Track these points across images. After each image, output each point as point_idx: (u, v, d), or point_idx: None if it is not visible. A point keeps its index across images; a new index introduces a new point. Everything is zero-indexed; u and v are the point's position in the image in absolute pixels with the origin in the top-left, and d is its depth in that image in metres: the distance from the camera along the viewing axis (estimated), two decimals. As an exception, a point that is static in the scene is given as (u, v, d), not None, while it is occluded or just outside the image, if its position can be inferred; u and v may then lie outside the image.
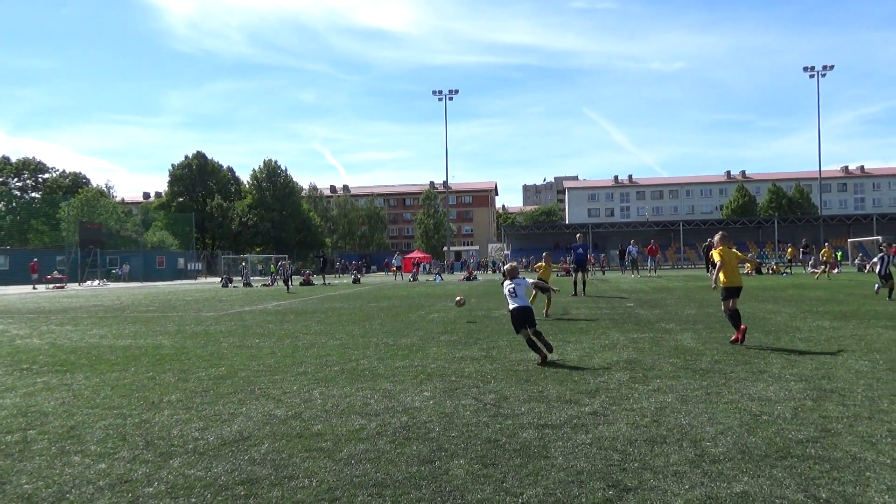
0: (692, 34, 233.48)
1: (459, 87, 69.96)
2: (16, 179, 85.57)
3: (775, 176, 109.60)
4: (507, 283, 8.15)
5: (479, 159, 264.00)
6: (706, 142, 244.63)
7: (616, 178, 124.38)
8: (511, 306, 8.00)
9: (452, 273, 58.09)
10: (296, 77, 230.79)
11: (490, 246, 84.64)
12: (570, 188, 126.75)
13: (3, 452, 4.43)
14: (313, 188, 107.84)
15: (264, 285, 38.41)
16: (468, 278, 39.77)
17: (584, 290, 19.86)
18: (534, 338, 7.74)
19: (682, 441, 4.39)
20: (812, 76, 62.60)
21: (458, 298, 14.19)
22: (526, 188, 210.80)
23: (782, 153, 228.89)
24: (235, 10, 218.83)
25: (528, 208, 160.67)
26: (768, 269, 37.41)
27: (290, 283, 31.73)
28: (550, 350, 7.64)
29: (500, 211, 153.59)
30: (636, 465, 3.95)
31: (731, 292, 8.80)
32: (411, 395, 6.02)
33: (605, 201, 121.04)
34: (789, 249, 42.81)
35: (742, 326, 8.66)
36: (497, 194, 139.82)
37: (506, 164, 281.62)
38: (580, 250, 20.39)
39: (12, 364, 8.35)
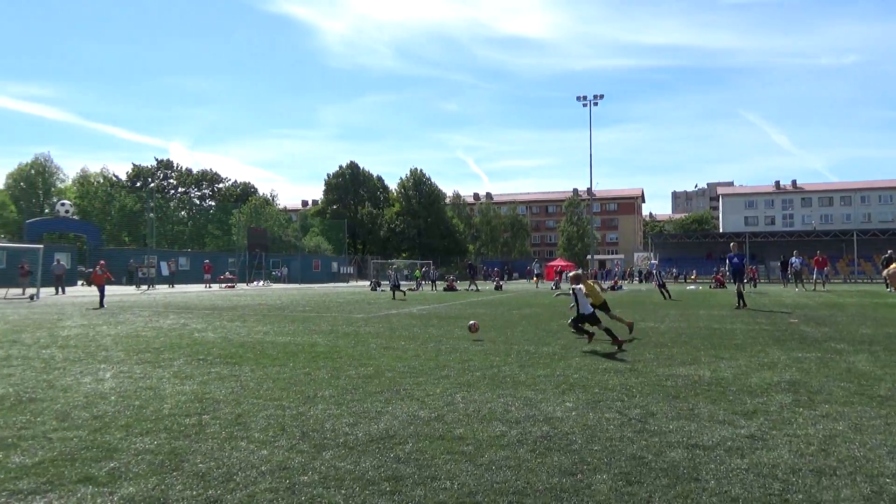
0: (866, 24, 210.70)
1: (603, 92, 67.93)
2: (196, 189, 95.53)
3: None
4: (576, 286, 10.33)
5: (624, 165, 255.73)
6: (885, 142, 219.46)
7: (777, 183, 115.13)
8: (584, 309, 10.17)
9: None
10: (440, 87, 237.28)
11: (636, 255, 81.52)
12: (724, 194, 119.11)
13: (183, 433, 4.95)
14: (457, 196, 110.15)
15: (410, 290, 39.76)
16: (613, 287, 38.63)
17: (742, 301, 18.79)
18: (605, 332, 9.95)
19: (856, 475, 3.97)
20: None
21: (471, 323, 11.91)
22: (675, 195, 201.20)
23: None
24: (385, 26, 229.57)
25: (678, 216, 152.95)
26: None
27: (397, 290, 29.15)
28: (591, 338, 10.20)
29: (647, 218, 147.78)
30: (800, 496, 3.62)
31: None
32: (553, 404, 5.95)
33: (765, 208, 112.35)
34: None
35: None
36: (644, 201, 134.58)
37: (653, 170, 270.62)
38: (735, 260, 19.27)
39: (191, 355, 9.29)
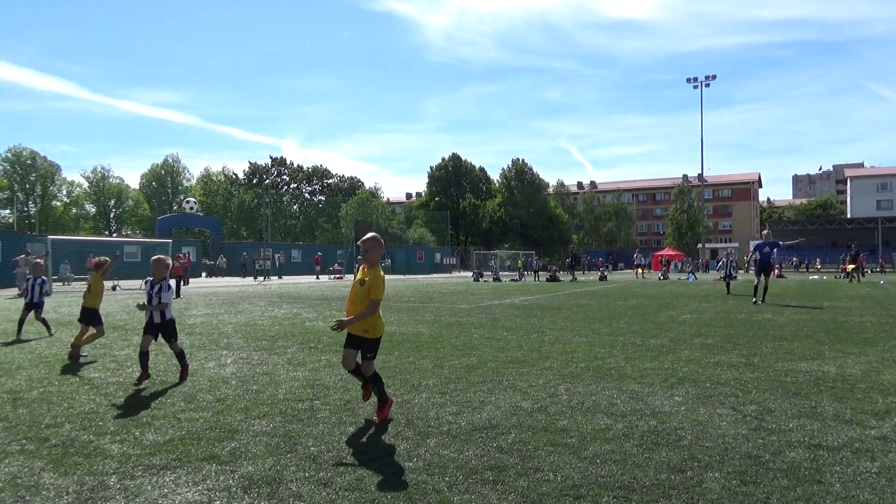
0: None
1: (715, 72, 64.80)
2: (307, 185, 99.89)
3: None
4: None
5: (739, 149, 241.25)
6: None
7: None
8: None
9: (707, 272, 54.15)
10: (543, 76, 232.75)
11: (751, 243, 77.05)
12: (852, 177, 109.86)
13: (296, 417, 5.21)
14: (560, 185, 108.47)
15: (512, 280, 39.69)
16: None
17: (763, 297, 17.11)
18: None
19: None
20: None
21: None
22: (797, 178, 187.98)
23: None
24: (487, 18, 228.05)
25: (799, 201, 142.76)
26: None
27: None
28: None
29: (765, 205, 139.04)
30: (941, 505, 3.31)
31: None
32: (660, 398, 5.75)
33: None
34: None
35: None
36: (761, 186, 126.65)
37: (771, 153, 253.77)
38: (766, 249, 17.39)
39: (303, 343, 9.74)
